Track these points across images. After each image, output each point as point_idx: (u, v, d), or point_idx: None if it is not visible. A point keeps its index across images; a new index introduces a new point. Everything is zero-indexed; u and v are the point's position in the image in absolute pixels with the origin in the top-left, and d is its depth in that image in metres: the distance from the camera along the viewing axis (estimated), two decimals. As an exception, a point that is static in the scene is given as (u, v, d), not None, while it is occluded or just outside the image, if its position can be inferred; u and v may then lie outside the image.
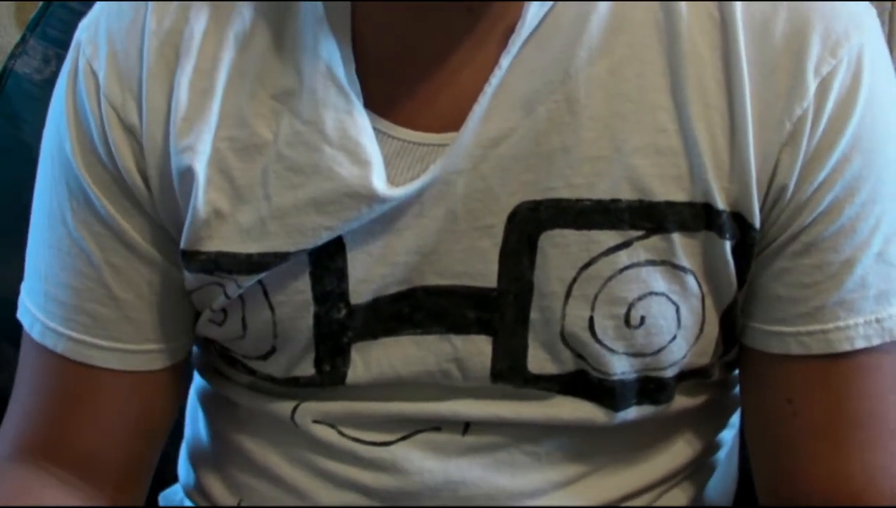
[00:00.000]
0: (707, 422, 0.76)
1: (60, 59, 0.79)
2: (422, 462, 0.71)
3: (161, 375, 0.75)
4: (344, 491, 0.73)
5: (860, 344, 0.66)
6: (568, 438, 0.71)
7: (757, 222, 0.66)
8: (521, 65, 0.65)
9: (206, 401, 0.81)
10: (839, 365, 0.67)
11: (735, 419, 0.80)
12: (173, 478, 0.86)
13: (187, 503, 0.82)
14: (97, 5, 0.74)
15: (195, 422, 0.83)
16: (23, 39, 0.97)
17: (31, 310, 0.74)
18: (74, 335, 0.72)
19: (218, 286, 0.70)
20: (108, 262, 0.71)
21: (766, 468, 0.72)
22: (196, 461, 0.82)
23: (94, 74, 0.70)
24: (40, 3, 0.98)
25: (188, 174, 0.68)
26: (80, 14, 0.95)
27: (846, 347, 0.66)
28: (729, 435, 0.79)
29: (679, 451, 0.75)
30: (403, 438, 0.71)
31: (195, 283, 0.71)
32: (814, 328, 0.67)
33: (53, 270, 0.73)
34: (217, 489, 0.79)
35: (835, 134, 0.65)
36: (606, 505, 0.72)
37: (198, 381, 0.83)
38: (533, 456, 0.71)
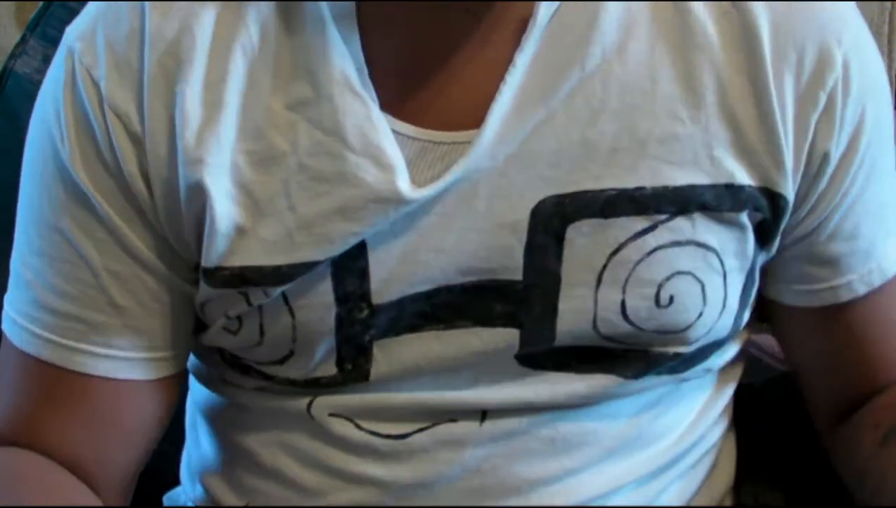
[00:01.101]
0: (710, 404, 0.79)
1: (61, 59, 0.79)
2: (437, 452, 0.72)
3: (156, 384, 0.74)
4: (357, 488, 0.73)
5: None
6: (581, 422, 0.73)
7: (790, 193, 0.70)
8: (537, 62, 0.67)
9: (209, 410, 0.80)
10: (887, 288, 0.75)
11: (728, 412, 0.82)
12: (175, 479, 0.85)
13: (190, 504, 0.82)
14: (87, 11, 0.72)
15: (196, 434, 0.82)
16: (23, 39, 0.96)
17: (17, 320, 0.73)
18: (67, 342, 0.71)
19: (240, 295, 0.70)
20: (109, 268, 0.71)
21: (835, 396, 0.80)
22: (201, 471, 0.81)
23: (96, 84, 0.69)
24: (40, 3, 0.98)
25: (197, 188, 0.67)
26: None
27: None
28: (722, 427, 0.81)
29: (682, 436, 0.77)
30: (420, 430, 0.72)
31: (212, 295, 0.71)
32: (871, 265, 0.75)
33: (45, 278, 0.72)
34: (224, 494, 0.78)
35: (860, 101, 0.70)
36: (614, 491, 0.74)
37: (197, 392, 0.82)
38: (548, 443, 0.72)
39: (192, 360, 0.81)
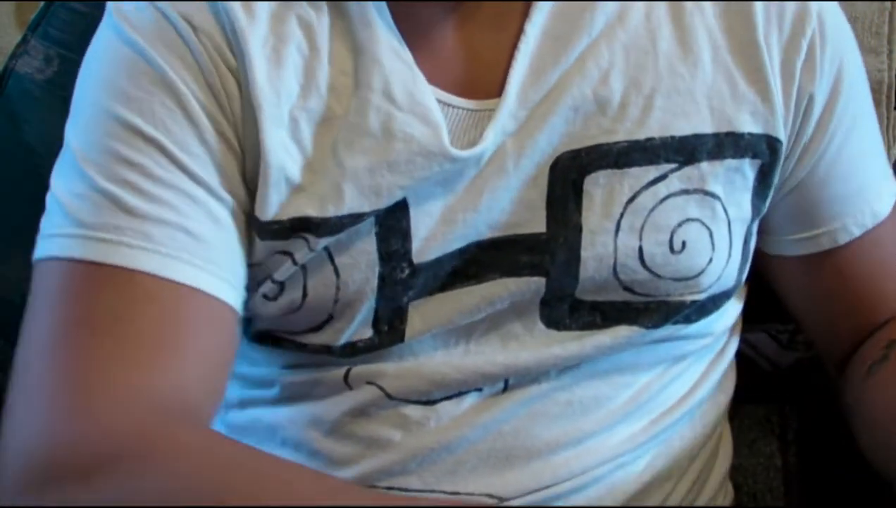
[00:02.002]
0: (708, 373, 0.82)
1: (63, 59, 0.79)
2: (462, 418, 0.75)
3: (228, 310, 0.70)
4: (382, 455, 0.75)
5: None
6: (597, 387, 0.76)
7: (783, 136, 0.76)
8: (546, 32, 0.73)
9: (230, 396, 0.80)
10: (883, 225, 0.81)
11: (725, 397, 0.85)
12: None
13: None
14: None
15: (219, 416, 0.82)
16: (24, 39, 0.96)
17: (87, 234, 0.66)
18: (164, 250, 0.66)
19: (286, 255, 0.71)
20: (206, 184, 0.69)
21: (839, 339, 0.85)
22: None
23: (188, 19, 0.70)
24: (41, 4, 0.98)
25: (256, 131, 0.69)
26: (82, 14, 0.96)
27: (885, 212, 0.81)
28: (719, 403, 0.84)
29: (688, 401, 0.80)
30: (447, 398, 0.75)
31: (262, 254, 0.72)
32: (863, 208, 0.80)
33: (126, 182, 0.67)
34: None
35: (837, 51, 0.77)
36: (628, 452, 0.77)
37: None
38: (566, 406, 0.76)
39: None
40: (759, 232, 0.82)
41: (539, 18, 0.73)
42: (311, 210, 0.71)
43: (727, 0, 0.76)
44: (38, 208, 0.83)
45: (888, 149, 0.89)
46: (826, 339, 0.87)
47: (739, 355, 0.87)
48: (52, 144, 0.82)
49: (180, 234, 0.67)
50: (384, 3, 0.73)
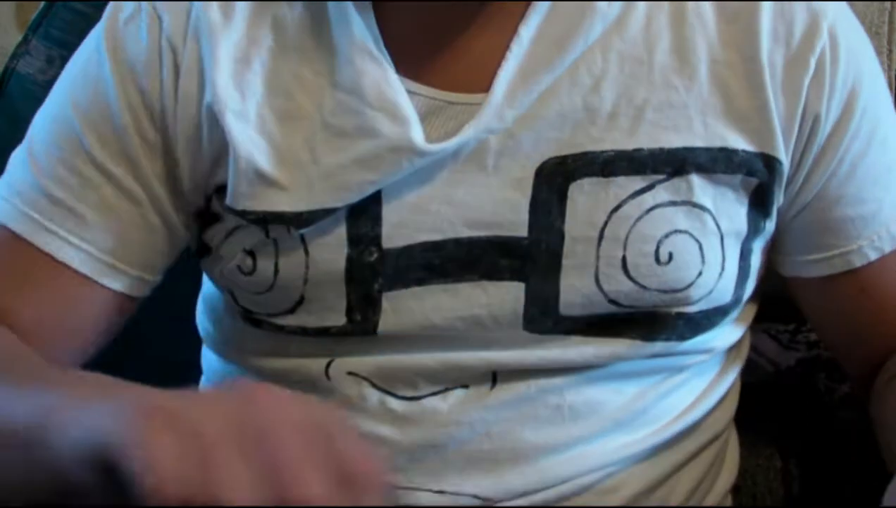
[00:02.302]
0: (713, 387, 0.81)
1: (64, 60, 0.79)
2: (449, 415, 0.74)
3: (112, 296, 0.77)
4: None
5: None
6: (588, 393, 0.75)
7: (783, 156, 0.74)
8: (541, 34, 0.72)
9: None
10: None
11: (731, 407, 0.84)
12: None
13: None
14: None
15: None
16: (25, 40, 0.96)
17: (5, 196, 0.77)
18: (48, 224, 0.75)
19: (259, 227, 0.74)
20: (109, 172, 0.75)
21: (862, 357, 0.82)
22: None
23: (160, 18, 0.75)
24: (42, 4, 0.98)
25: (220, 130, 0.73)
26: (83, 14, 0.96)
27: None
28: (725, 418, 0.83)
29: (686, 415, 0.79)
30: (433, 394, 0.75)
31: (233, 223, 0.75)
32: (880, 231, 0.77)
33: (49, 166, 0.76)
34: None
35: (851, 68, 0.74)
36: (620, 463, 0.76)
37: (211, 372, 0.84)
38: (556, 410, 0.75)
39: (206, 329, 0.84)
40: (774, 253, 0.81)
41: (535, 20, 0.73)
42: (283, 206, 0.73)
43: (733, 12, 0.74)
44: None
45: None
46: (847, 356, 0.86)
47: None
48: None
49: (67, 213, 0.75)
50: (370, 8, 0.74)
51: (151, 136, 0.75)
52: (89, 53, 0.77)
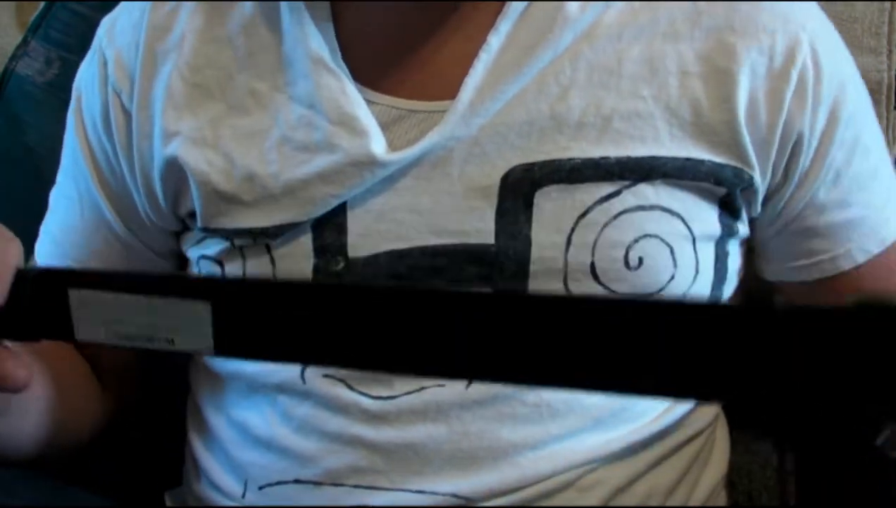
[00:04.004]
0: None
1: (63, 61, 0.80)
2: (425, 414, 0.74)
3: None
4: (349, 451, 0.75)
5: None
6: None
7: (755, 169, 0.74)
8: (510, 42, 0.72)
9: (207, 397, 0.82)
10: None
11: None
12: (177, 479, 0.86)
13: (191, 500, 0.83)
14: (122, 3, 0.81)
15: (195, 422, 0.84)
16: (24, 41, 0.96)
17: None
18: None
19: (225, 239, 0.76)
20: (86, 216, 0.80)
21: None
22: (198, 457, 0.82)
23: (105, 64, 0.78)
24: (41, 4, 0.98)
25: (173, 160, 0.75)
26: (82, 16, 0.96)
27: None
28: (708, 416, 0.83)
29: (667, 411, 0.79)
30: (408, 394, 0.74)
31: (200, 237, 0.77)
32: (867, 234, 0.77)
33: (56, 211, 0.82)
34: (221, 476, 0.80)
35: (834, 79, 0.74)
36: (599, 460, 0.76)
37: (195, 382, 0.84)
38: (533, 408, 0.75)
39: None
40: (758, 260, 0.81)
41: (504, 28, 0.72)
42: (248, 222, 0.74)
43: (708, 25, 0.73)
44: (39, 209, 0.84)
45: (889, 148, 0.88)
46: None
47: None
48: (53, 147, 0.83)
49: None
50: (329, 17, 0.74)
51: (114, 186, 0.79)
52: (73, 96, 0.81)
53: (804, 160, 0.75)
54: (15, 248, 0.63)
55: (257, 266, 0.75)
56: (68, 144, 0.82)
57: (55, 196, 0.83)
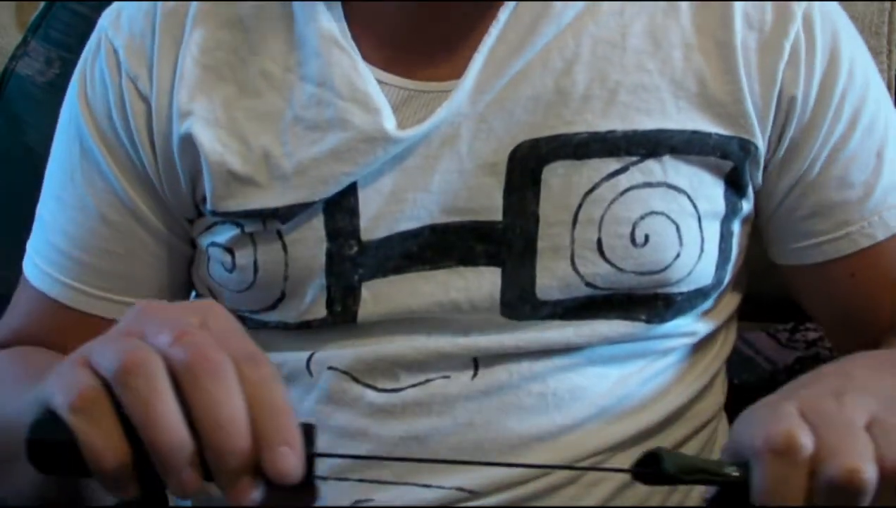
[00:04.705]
0: (694, 372, 0.81)
1: (63, 61, 0.80)
2: (430, 406, 0.75)
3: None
4: (355, 444, 0.75)
5: None
6: (571, 379, 0.75)
7: (759, 139, 0.75)
8: (517, 19, 0.73)
9: None
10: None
11: (720, 395, 0.84)
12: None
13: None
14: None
15: None
16: (24, 41, 0.96)
17: (32, 256, 0.80)
18: (67, 280, 0.79)
19: (235, 225, 0.75)
20: (105, 217, 0.78)
21: (857, 334, 0.81)
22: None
23: (116, 52, 0.78)
24: (41, 5, 0.98)
25: (188, 138, 0.75)
26: (82, 16, 0.96)
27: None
28: (713, 406, 0.83)
29: (670, 401, 0.79)
30: (413, 386, 0.75)
31: (212, 222, 0.77)
32: (871, 218, 0.77)
33: (56, 220, 0.80)
34: None
35: (828, 51, 0.75)
36: (608, 449, 0.76)
37: None
38: (539, 398, 0.75)
39: None
40: (765, 241, 0.81)
41: (511, 4, 0.73)
42: (260, 203, 0.74)
43: (706, 0, 0.74)
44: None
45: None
46: (840, 340, 0.86)
47: (738, 354, 0.86)
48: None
49: (75, 264, 0.79)
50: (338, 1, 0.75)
51: (133, 171, 0.77)
52: (68, 98, 0.81)
53: (796, 127, 0.75)
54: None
55: (269, 253, 0.75)
56: (69, 154, 0.80)
57: (52, 209, 0.80)
